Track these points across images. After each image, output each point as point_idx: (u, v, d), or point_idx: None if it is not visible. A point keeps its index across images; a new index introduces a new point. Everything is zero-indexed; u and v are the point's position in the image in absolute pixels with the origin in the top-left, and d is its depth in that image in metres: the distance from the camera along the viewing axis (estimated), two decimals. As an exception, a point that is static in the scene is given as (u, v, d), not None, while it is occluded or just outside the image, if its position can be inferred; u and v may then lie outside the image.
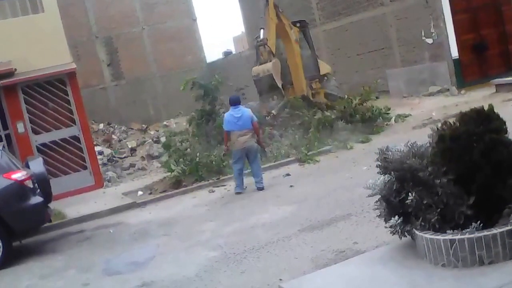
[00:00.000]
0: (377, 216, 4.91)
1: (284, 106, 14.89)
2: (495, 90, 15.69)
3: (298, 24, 16.89)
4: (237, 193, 10.38)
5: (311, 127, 13.32)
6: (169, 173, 12.34)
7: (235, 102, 10.40)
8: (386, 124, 14.01)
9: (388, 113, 14.18)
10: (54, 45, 13.10)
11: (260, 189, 10.32)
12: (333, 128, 13.42)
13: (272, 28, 15.08)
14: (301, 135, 13.26)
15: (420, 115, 14.66)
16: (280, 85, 14.44)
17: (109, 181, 13.95)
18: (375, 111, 13.96)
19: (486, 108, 4.59)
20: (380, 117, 13.95)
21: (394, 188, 4.66)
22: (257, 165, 10.47)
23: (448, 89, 17.26)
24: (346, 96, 15.25)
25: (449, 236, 4.24)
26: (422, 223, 4.46)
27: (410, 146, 4.76)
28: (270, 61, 14.58)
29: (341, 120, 13.70)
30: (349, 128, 13.53)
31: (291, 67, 15.83)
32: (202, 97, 14.13)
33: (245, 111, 10.38)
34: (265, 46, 14.79)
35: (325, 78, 16.72)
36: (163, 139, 18.46)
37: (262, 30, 15.19)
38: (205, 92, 14.08)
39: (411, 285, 4.19)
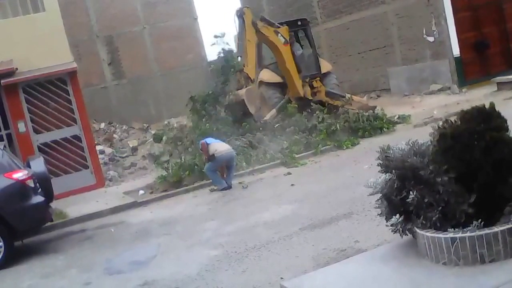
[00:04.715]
0: (378, 214, 4.90)
1: (281, 109, 14.91)
2: (496, 88, 15.68)
3: (299, 23, 16.84)
4: (224, 188, 10.87)
5: (304, 131, 13.39)
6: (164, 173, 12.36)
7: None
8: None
9: (391, 126, 13.82)
10: (55, 45, 13.07)
11: (230, 186, 11.04)
12: (334, 133, 13.31)
13: (251, 51, 14.73)
14: (296, 139, 13.20)
15: (421, 113, 14.65)
16: (253, 112, 14.11)
17: (110, 180, 13.93)
18: (379, 123, 13.73)
19: (487, 106, 4.58)
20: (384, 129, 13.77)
21: (395, 186, 4.65)
22: (234, 169, 11.38)
23: (450, 88, 17.24)
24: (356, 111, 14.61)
25: (450, 234, 4.23)
26: (423, 222, 4.45)
27: (411, 145, 4.75)
28: (246, 86, 14.54)
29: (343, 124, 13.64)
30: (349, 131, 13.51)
31: (284, 73, 15.58)
32: (217, 74, 14.07)
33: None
34: (241, 72, 14.70)
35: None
36: (164, 138, 18.48)
37: (239, 58, 14.88)
38: (223, 69, 14.01)
39: (412, 283, 4.19)
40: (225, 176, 11.19)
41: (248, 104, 14.30)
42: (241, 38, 15.03)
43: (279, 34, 15.29)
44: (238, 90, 15.54)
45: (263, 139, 13.34)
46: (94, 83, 25.47)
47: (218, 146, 11.08)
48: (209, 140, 11.38)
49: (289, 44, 15.41)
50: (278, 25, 15.67)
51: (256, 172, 11.93)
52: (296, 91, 15.37)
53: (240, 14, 14.97)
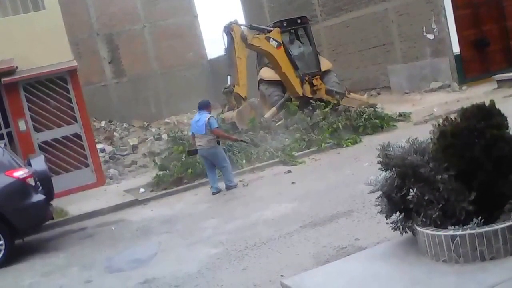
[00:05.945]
0: (378, 212, 4.90)
1: (281, 107, 14.91)
2: (496, 86, 15.68)
3: (299, 21, 16.82)
4: (213, 193, 10.54)
5: (305, 129, 13.38)
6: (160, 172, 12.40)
7: (200, 107, 10.75)
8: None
9: (392, 123, 13.72)
10: (55, 43, 13.07)
11: (230, 187, 10.60)
12: (336, 131, 13.29)
13: (241, 68, 14.65)
14: (297, 137, 13.17)
15: (422, 111, 14.64)
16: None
17: (111, 178, 13.95)
18: (379, 121, 13.64)
19: (487, 104, 4.57)
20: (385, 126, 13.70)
21: (396, 184, 4.65)
22: (225, 168, 10.66)
23: (450, 85, 17.23)
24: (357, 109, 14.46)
25: (450, 232, 4.23)
26: (423, 219, 4.45)
27: (411, 142, 4.75)
28: (237, 107, 14.64)
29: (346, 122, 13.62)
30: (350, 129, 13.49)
31: (281, 77, 15.55)
32: None
33: (202, 116, 10.53)
34: (232, 93, 14.73)
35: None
36: (164, 136, 18.52)
37: (229, 77, 14.84)
38: None
39: (413, 281, 4.19)
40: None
41: (239, 125, 14.35)
42: (229, 56, 14.93)
43: (271, 39, 15.18)
44: (228, 111, 15.47)
45: (265, 137, 13.35)
46: (95, 81, 25.49)
47: (196, 141, 10.64)
48: (191, 125, 10.90)
49: (282, 46, 15.30)
50: (269, 28, 15.60)
51: (256, 170, 11.93)
52: (295, 91, 15.36)
53: (228, 31, 14.82)
